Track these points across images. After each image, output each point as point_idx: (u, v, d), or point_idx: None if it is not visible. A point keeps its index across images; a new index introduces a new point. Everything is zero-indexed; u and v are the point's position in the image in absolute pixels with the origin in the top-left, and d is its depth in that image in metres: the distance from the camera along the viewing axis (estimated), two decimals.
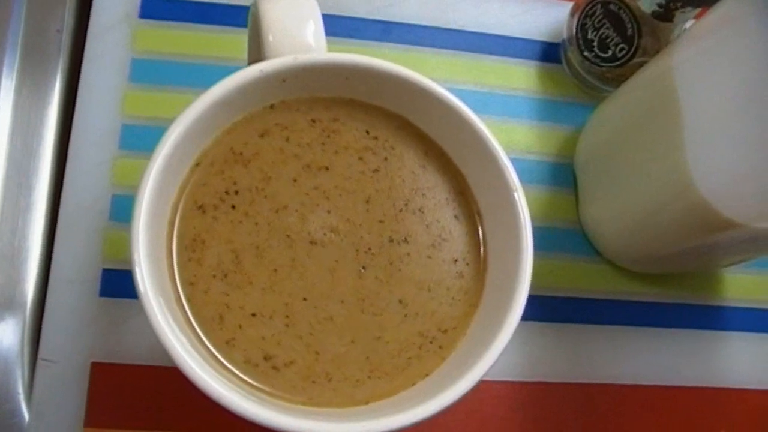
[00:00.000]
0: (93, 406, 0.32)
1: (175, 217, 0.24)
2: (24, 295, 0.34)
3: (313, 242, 0.25)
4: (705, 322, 0.39)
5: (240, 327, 0.24)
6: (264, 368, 0.23)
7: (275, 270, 0.25)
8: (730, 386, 0.38)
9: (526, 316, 0.36)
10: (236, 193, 0.25)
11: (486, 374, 0.23)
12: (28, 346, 0.33)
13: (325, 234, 0.25)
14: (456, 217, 0.27)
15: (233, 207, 0.25)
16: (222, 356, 0.23)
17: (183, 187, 0.25)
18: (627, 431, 0.36)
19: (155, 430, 0.32)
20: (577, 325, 0.37)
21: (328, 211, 0.26)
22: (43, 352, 0.33)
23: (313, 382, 0.23)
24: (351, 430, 0.20)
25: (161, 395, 0.33)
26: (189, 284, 0.24)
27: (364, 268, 0.25)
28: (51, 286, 0.34)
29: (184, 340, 0.22)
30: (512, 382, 0.36)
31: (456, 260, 0.26)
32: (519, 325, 0.36)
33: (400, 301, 0.25)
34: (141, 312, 0.33)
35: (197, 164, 0.25)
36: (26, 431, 0.32)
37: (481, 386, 0.35)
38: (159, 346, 0.32)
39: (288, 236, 0.25)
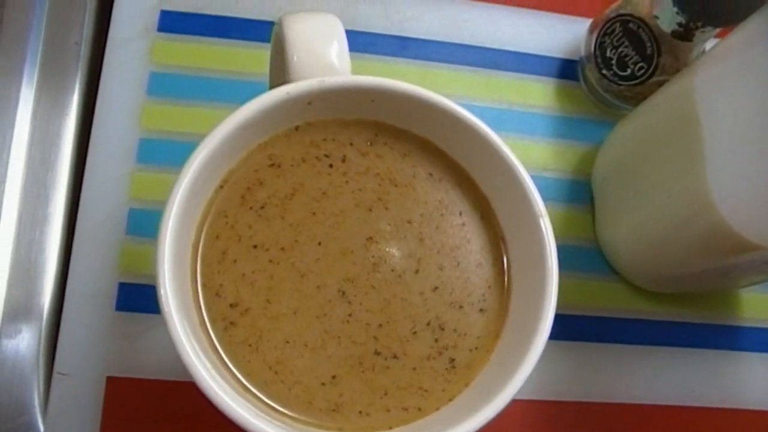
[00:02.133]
0: (107, 420, 0.32)
1: (199, 240, 0.24)
2: (40, 308, 0.34)
3: (338, 269, 0.25)
4: (722, 342, 0.39)
5: (264, 351, 0.24)
6: (293, 392, 0.23)
7: (301, 297, 0.25)
8: (747, 407, 0.38)
9: None
10: (262, 214, 0.25)
11: (508, 405, 0.22)
12: (43, 359, 0.33)
13: (350, 261, 0.25)
14: (480, 242, 0.27)
15: (259, 230, 0.25)
16: (244, 378, 0.23)
17: (208, 207, 0.24)
18: None
19: None
20: (593, 343, 0.37)
21: (357, 235, 0.26)
22: (58, 365, 0.33)
23: (336, 408, 0.23)
24: None
25: (176, 410, 0.33)
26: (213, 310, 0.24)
27: (394, 293, 0.25)
28: (67, 299, 0.34)
29: (208, 364, 0.22)
30: (526, 401, 0.36)
31: (479, 286, 0.26)
32: None
33: (428, 325, 0.25)
34: (157, 327, 0.33)
35: (221, 186, 0.25)
36: None
37: None
38: (175, 361, 0.33)
39: (318, 258, 0.25)
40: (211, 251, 0.24)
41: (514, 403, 0.35)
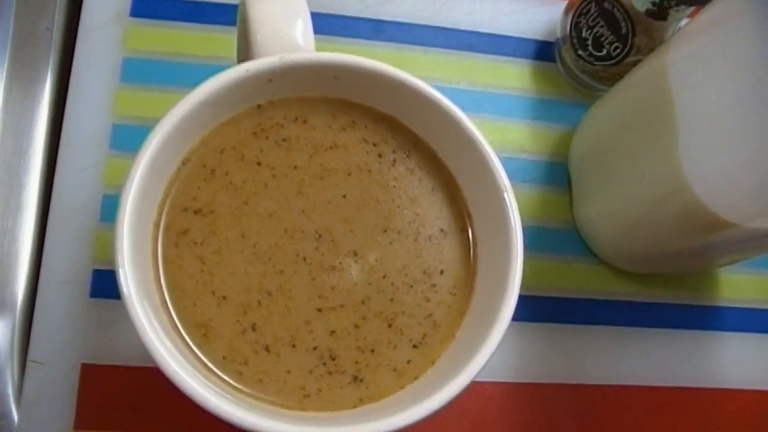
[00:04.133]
0: (83, 408, 0.32)
1: (160, 219, 0.24)
2: (14, 297, 0.33)
3: (301, 242, 0.25)
4: (700, 322, 0.39)
5: (225, 330, 0.23)
6: (251, 372, 0.23)
7: (264, 273, 0.24)
8: (725, 387, 0.38)
9: (520, 317, 0.36)
10: (223, 193, 0.25)
11: (476, 377, 0.22)
12: (17, 347, 0.33)
13: (317, 234, 0.25)
14: (446, 218, 0.26)
15: (219, 208, 0.25)
16: (207, 359, 0.23)
17: (168, 187, 0.24)
18: None
19: None
20: (571, 325, 0.37)
21: (317, 210, 0.25)
22: (32, 353, 0.32)
23: (302, 386, 0.23)
24: None
25: (151, 397, 0.32)
26: (174, 288, 0.24)
27: (352, 268, 0.25)
28: (41, 287, 0.33)
29: (169, 343, 0.21)
30: (506, 383, 0.36)
31: (444, 263, 0.26)
32: (512, 326, 0.35)
33: (391, 303, 0.25)
34: None
35: (183, 164, 0.25)
36: None
37: (475, 387, 0.35)
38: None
39: (276, 237, 0.25)
40: (171, 231, 0.24)
41: (493, 386, 0.35)
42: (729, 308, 0.39)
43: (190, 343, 0.23)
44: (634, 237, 0.35)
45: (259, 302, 0.24)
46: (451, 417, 0.35)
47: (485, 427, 0.35)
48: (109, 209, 0.35)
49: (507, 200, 0.24)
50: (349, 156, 0.26)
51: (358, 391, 0.23)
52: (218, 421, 0.32)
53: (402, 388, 0.24)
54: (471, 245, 0.26)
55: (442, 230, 0.26)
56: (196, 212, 0.24)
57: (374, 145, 0.27)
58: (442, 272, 0.26)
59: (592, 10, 0.38)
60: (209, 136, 0.25)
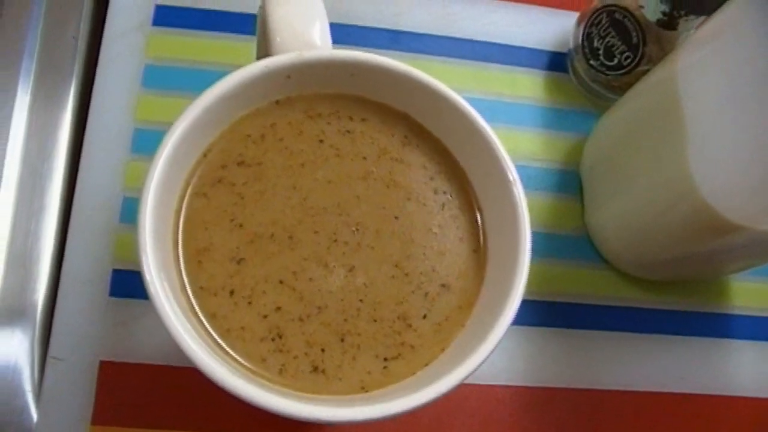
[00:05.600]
0: (100, 404, 0.32)
1: (181, 207, 0.25)
2: (35, 294, 0.34)
3: (316, 232, 0.26)
4: (709, 329, 0.39)
5: (244, 317, 0.24)
6: (265, 356, 0.24)
7: (289, 272, 0.25)
8: (735, 394, 0.38)
9: (531, 322, 0.37)
10: (243, 184, 0.26)
11: (482, 364, 0.23)
12: (38, 344, 0.33)
13: (300, 230, 0.26)
14: (451, 198, 0.27)
15: (241, 198, 0.26)
16: (226, 345, 0.24)
17: (189, 179, 0.25)
18: None
19: (161, 428, 0.33)
20: (582, 331, 0.38)
21: (298, 210, 0.26)
22: (52, 350, 0.33)
23: (315, 369, 0.24)
24: (345, 415, 0.21)
25: (168, 394, 0.33)
26: (199, 288, 0.24)
27: (360, 233, 0.26)
28: (62, 286, 0.34)
29: (189, 326, 0.22)
30: (515, 387, 0.36)
31: (454, 239, 0.26)
32: (523, 330, 0.36)
33: (410, 281, 0.25)
34: (149, 312, 0.33)
35: (204, 156, 0.25)
36: (34, 428, 0.32)
37: (484, 389, 0.35)
38: (166, 345, 0.33)
39: (283, 232, 0.26)
40: (192, 223, 0.25)
41: (503, 389, 0.36)
42: (739, 316, 0.39)
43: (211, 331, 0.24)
44: (645, 242, 0.35)
45: (284, 291, 0.25)
46: (461, 419, 0.35)
47: (493, 429, 0.35)
48: (129, 211, 0.36)
49: (515, 193, 0.25)
50: (364, 149, 0.27)
51: (371, 376, 0.24)
52: (235, 416, 0.32)
53: (413, 374, 0.24)
54: (482, 239, 0.27)
55: (451, 225, 0.27)
56: (216, 202, 0.25)
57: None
58: (454, 263, 0.26)
59: (604, 21, 0.38)
60: (228, 129, 0.26)
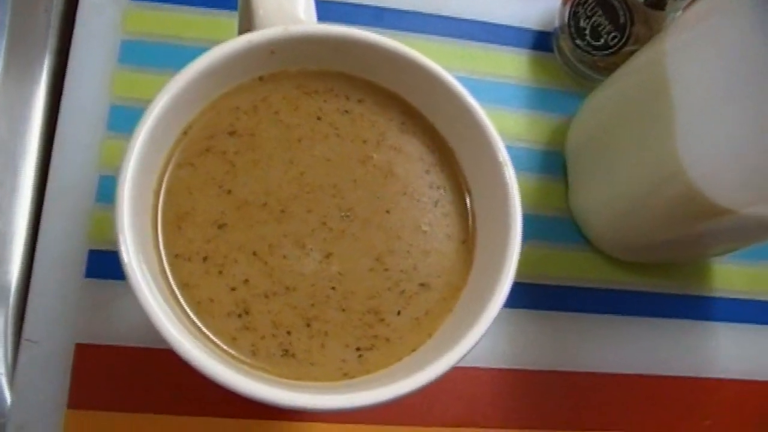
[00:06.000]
0: (76, 388, 0.32)
1: (160, 188, 0.24)
2: (9, 276, 0.33)
3: (282, 218, 0.25)
4: (691, 312, 0.39)
5: (212, 288, 0.24)
6: (235, 335, 0.23)
7: (266, 244, 0.24)
8: (715, 376, 0.38)
9: (514, 304, 0.37)
10: (234, 153, 0.25)
11: (470, 351, 0.22)
12: (12, 326, 0.33)
13: (294, 206, 0.25)
14: (444, 193, 0.26)
15: (232, 166, 0.25)
16: (198, 320, 0.23)
17: (168, 157, 0.24)
18: (612, 420, 0.36)
19: (139, 412, 0.32)
20: (565, 313, 0.37)
21: (295, 185, 0.26)
22: (26, 332, 0.32)
23: (286, 352, 0.23)
24: (330, 403, 0.20)
25: (145, 377, 0.32)
26: (174, 256, 0.24)
27: (349, 220, 0.25)
28: (36, 266, 0.33)
29: (168, 310, 0.21)
30: (499, 369, 0.36)
31: (443, 238, 0.26)
32: (506, 312, 0.36)
33: (388, 276, 0.25)
34: (126, 293, 0.33)
35: (184, 133, 0.25)
36: (8, 412, 0.31)
37: (468, 372, 0.35)
38: (144, 327, 0.32)
39: (277, 204, 0.25)
40: (175, 191, 0.24)
41: (487, 371, 0.35)
42: (720, 299, 0.39)
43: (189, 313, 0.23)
44: (629, 224, 0.35)
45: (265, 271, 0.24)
46: (445, 401, 0.35)
47: (478, 412, 0.35)
48: (106, 190, 0.35)
49: (506, 175, 0.24)
50: (348, 127, 0.26)
51: (355, 362, 0.23)
52: (212, 399, 0.32)
53: (400, 360, 0.24)
54: (471, 220, 0.26)
55: (439, 207, 0.26)
56: (196, 182, 0.25)
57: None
58: (442, 247, 0.26)
59: (591, 0, 0.38)
60: (209, 106, 0.25)
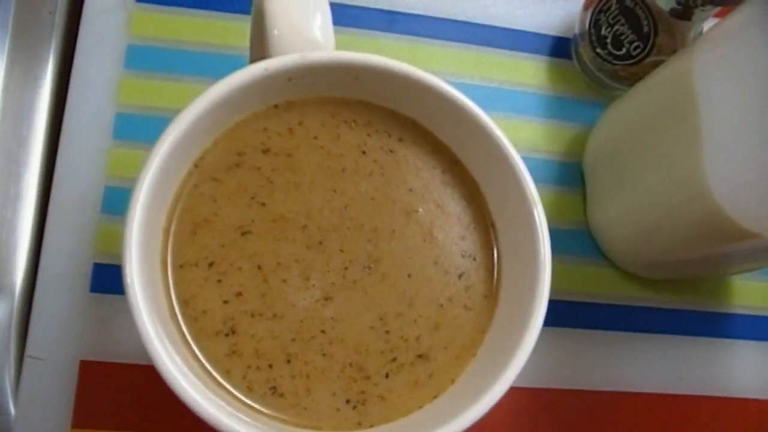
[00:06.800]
0: (81, 406, 0.31)
1: (170, 225, 0.23)
2: (12, 289, 0.33)
3: (313, 245, 0.24)
4: (712, 329, 0.38)
5: (208, 299, 0.23)
6: (239, 372, 0.22)
7: (274, 261, 0.24)
8: (736, 396, 0.37)
9: None
10: (272, 170, 0.25)
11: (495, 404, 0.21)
12: (15, 342, 0.32)
13: (331, 239, 0.24)
14: (468, 228, 0.26)
15: (269, 182, 0.25)
16: (219, 375, 0.22)
17: (179, 192, 0.23)
18: None
19: (144, 431, 0.31)
20: (581, 330, 0.37)
21: (337, 216, 0.25)
22: (30, 349, 0.32)
23: (283, 395, 0.23)
24: None
25: (150, 396, 0.32)
26: (179, 266, 0.23)
27: (369, 271, 0.24)
28: (40, 280, 0.33)
29: (172, 350, 0.21)
30: (516, 388, 0.35)
31: (463, 275, 0.25)
32: None
33: (386, 339, 0.24)
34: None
35: (195, 166, 0.24)
36: (12, 430, 0.31)
37: None
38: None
39: (317, 230, 0.24)
40: (182, 234, 0.23)
41: None
42: (742, 315, 0.39)
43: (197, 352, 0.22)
44: (650, 242, 0.34)
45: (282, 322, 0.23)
46: None
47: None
48: (112, 201, 0.34)
49: (536, 215, 0.24)
50: (367, 158, 0.25)
51: (376, 409, 0.23)
52: None
53: (421, 407, 0.23)
54: (495, 259, 0.25)
55: (462, 245, 0.25)
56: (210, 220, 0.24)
57: (390, 151, 0.26)
58: (463, 286, 0.25)
59: (613, 8, 0.37)
60: (223, 136, 0.24)
